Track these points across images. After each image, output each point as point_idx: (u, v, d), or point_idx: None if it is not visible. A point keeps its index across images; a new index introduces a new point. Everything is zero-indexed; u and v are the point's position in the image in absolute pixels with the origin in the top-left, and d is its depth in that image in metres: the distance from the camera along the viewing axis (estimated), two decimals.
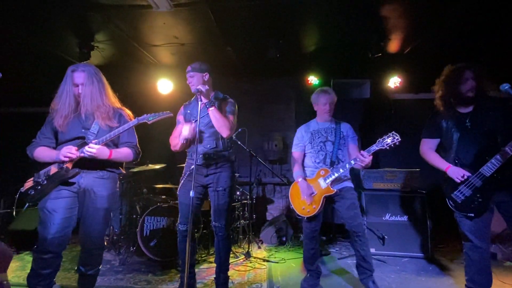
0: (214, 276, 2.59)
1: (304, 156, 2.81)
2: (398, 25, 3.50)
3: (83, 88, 2.07)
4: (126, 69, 4.77)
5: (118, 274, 3.06)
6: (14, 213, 2.36)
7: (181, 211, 2.51)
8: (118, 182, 2.28)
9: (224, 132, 2.38)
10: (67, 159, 1.99)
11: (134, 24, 3.54)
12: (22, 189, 2.04)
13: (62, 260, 2.06)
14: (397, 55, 4.28)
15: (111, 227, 3.98)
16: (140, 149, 2.29)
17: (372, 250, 3.61)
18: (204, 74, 2.48)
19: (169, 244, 3.33)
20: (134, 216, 3.72)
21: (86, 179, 2.09)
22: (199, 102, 2.20)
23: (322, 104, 2.75)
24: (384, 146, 2.33)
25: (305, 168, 2.77)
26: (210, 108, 2.35)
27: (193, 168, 2.46)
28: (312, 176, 2.66)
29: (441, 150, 2.40)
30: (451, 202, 2.26)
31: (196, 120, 2.44)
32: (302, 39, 3.98)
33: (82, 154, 2.00)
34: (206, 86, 2.38)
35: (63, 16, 3.34)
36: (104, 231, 2.19)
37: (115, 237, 3.89)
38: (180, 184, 2.55)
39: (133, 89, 4.90)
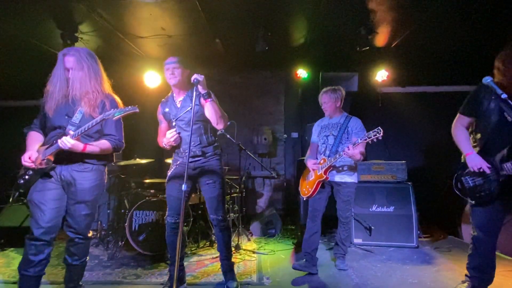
0: (220, 265, 2.63)
1: (318, 147, 3.08)
2: (385, 18, 3.53)
3: (72, 72, 2.05)
4: (112, 61, 4.64)
5: (107, 269, 3.03)
6: None
7: (169, 203, 2.49)
8: (105, 173, 2.23)
9: (221, 124, 2.35)
10: (26, 164, 2.00)
11: (119, 15, 3.46)
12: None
13: (52, 251, 2.07)
14: (385, 49, 4.33)
15: (99, 222, 3.94)
16: (122, 142, 2.22)
17: (359, 241, 3.70)
18: (186, 70, 2.41)
19: (158, 238, 3.31)
20: (123, 210, 3.69)
21: (67, 171, 2.06)
22: (194, 93, 2.15)
23: (321, 103, 3.03)
24: (366, 140, 2.50)
25: (316, 158, 3.04)
26: (208, 99, 2.25)
27: (179, 163, 2.47)
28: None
29: (473, 130, 2.23)
30: (458, 184, 2.21)
31: (177, 119, 2.43)
32: (290, 32, 3.97)
33: (61, 145, 1.96)
34: (202, 75, 2.21)
35: (46, 6, 3.23)
36: (87, 222, 2.13)
37: (103, 232, 3.85)
38: (167, 178, 2.53)
39: (119, 82, 4.69)
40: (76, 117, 2.05)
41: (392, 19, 3.57)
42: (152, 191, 3.74)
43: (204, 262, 3.23)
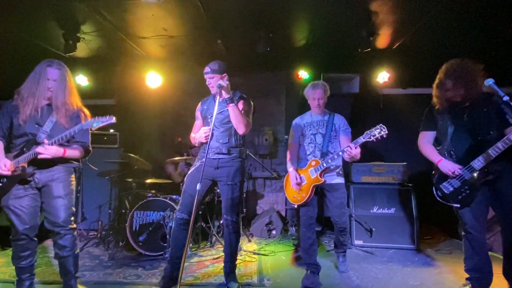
0: (222, 265, 2.65)
1: (300, 147, 2.89)
2: (387, 20, 3.53)
3: (54, 84, 2.17)
4: (114, 62, 4.67)
5: (107, 269, 3.03)
6: None
7: (183, 199, 2.53)
8: (74, 174, 2.38)
9: (241, 129, 2.45)
10: (2, 172, 2.07)
11: (121, 15, 3.46)
12: None
13: (37, 243, 2.29)
14: (386, 51, 4.32)
15: (100, 222, 3.94)
16: (90, 149, 2.38)
17: (360, 242, 3.70)
18: (223, 76, 2.53)
19: (158, 239, 3.31)
20: (123, 211, 3.69)
21: (41, 174, 2.19)
22: (217, 97, 2.31)
23: (311, 98, 2.84)
24: (370, 138, 2.36)
25: (300, 159, 2.86)
26: (230, 104, 2.39)
27: (204, 161, 2.42)
28: (304, 167, 2.75)
29: (435, 143, 2.42)
30: (438, 193, 2.30)
31: (212, 116, 2.48)
32: (292, 33, 3.97)
33: (36, 153, 2.05)
34: (227, 81, 2.42)
35: (48, 6, 3.23)
36: (66, 214, 2.22)
37: (104, 232, 3.85)
38: (188, 173, 2.57)
39: (121, 83, 4.80)
40: (47, 126, 2.17)
41: (393, 21, 3.57)
42: (153, 191, 3.75)
43: (205, 262, 3.23)
